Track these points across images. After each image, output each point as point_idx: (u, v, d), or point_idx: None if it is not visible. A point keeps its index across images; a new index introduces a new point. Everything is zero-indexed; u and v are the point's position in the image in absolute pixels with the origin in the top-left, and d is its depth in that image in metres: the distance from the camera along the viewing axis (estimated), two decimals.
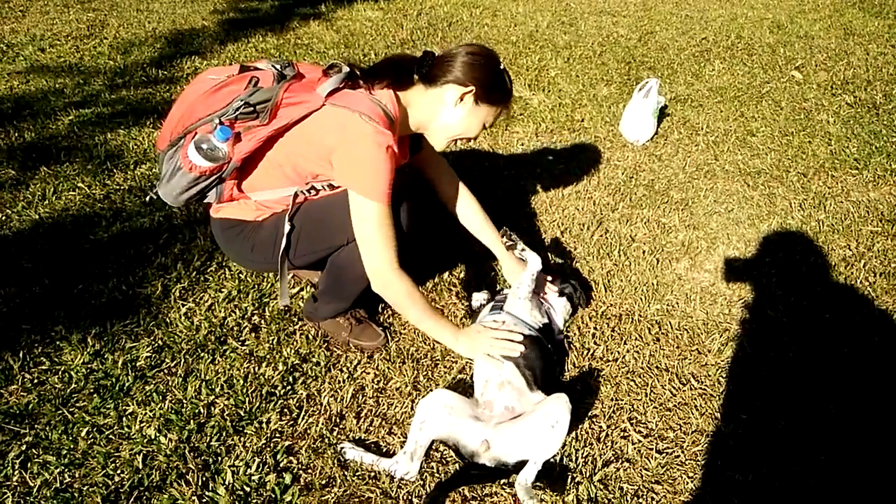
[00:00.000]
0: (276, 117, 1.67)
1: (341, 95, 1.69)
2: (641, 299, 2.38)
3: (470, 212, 2.17)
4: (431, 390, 1.94)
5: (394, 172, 1.68)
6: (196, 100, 1.72)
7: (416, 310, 1.77)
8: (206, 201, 1.84)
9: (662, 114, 3.67)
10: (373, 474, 1.70)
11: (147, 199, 1.90)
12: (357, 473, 1.70)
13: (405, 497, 1.66)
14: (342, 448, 1.75)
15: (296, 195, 1.83)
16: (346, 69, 1.72)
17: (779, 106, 3.91)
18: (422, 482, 1.69)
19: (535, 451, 1.64)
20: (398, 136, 1.81)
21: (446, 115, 1.80)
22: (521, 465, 1.66)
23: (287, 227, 1.82)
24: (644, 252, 2.63)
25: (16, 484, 1.61)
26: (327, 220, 1.80)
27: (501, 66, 1.80)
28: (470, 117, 1.81)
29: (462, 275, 2.43)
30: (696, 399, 2.00)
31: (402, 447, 1.71)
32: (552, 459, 1.71)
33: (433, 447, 1.76)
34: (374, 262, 1.72)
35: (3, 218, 2.56)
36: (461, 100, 1.77)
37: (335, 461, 1.73)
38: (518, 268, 2.13)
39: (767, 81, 4.25)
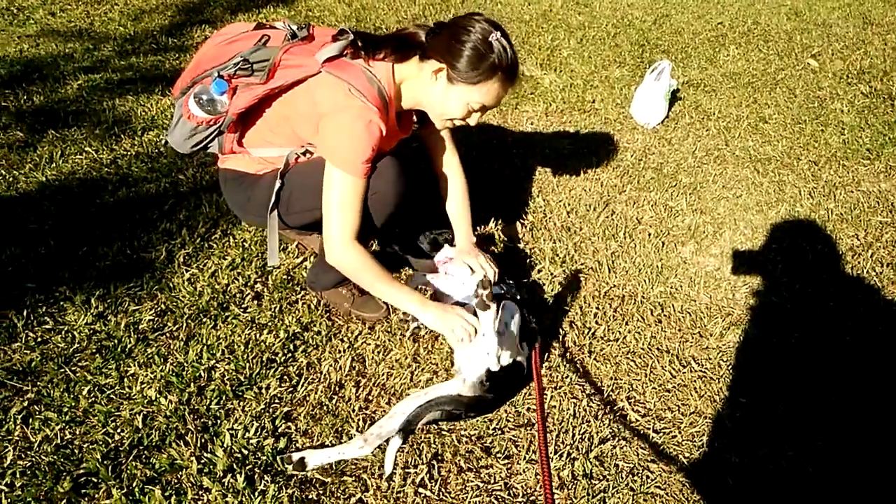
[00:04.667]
0: (274, 77, 1.69)
1: (338, 64, 1.68)
2: (645, 281, 2.37)
3: (453, 196, 2.10)
4: (431, 363, 1.96)
5: (376, 150, 1.66)
6: (206, 51, 1.76)
7: (372, 279, 1.74)
8: (209, 151, 1.88)
9: (674, 97, 3.64)
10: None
11: (164, 142, 1.95)
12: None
13: (401, 462, 1.67)
14: (292, 457, 1.64)
15: (289, 157, 1.83)
16: (350, 37, 1.71)
17: (793, 93, 3.86)
18: (418, 452, 1.70)
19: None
20: (395, 112, 1.79)
21: (429, 91, 1.72)
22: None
23: (278, 184, 1.82)
24: (650, 235, 2.62)
25: (17, 439, 1.63)
26: (317, 180, 1.77)
27: (492, 39, 1.61)
28: (446, 97, 1.70)
29: None
30: (695, 381, 1.99)
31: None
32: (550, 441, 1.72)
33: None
34: (330, 232, 1.70)
35: (11, 179, 2.57)
36: (436, 77, 1.68)
37: (332, 428, 1.74)
38: (468, 255, 2.02)
39: (782, 68, 4.19)
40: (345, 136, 1.63)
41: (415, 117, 1.97)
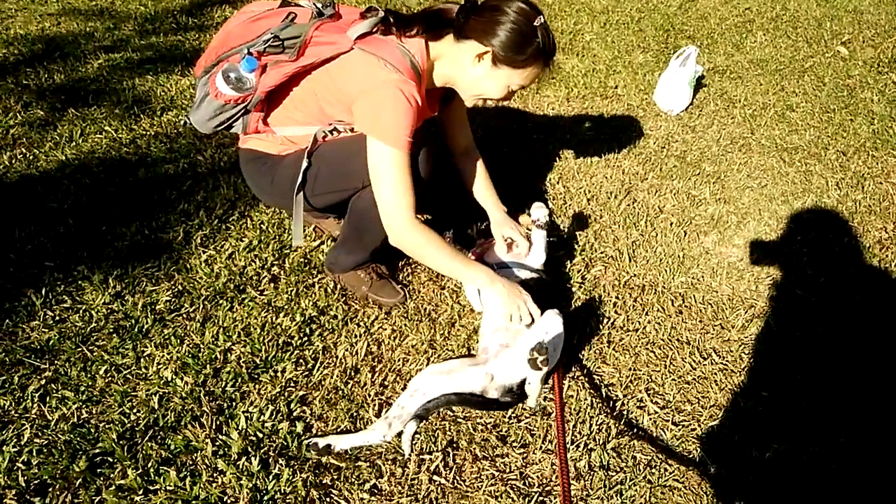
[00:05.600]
0: (304, 55, 1.66)
1: (371, 41, 1.65)
2: (666, 271, 2.33)
3: (475, 173, 2.12)
4: (447, 349, 1.94)
5: (417, 123, 1.64)
6: (232, 29, 1.74)
7: (439, 255, 1.73)
8: (232, 131, 1.86)
9: (699, 84, 3.56)
10: None
11: (183, 122, 1.93)
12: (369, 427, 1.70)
13: (416, 449, 1.66)
14: (312, 443, 1.64)
15: (317, 135, 1.81)
16: (381, 14, 1.68)
17: (821, 81, 3.77)
18: (433, 440, 1.69)
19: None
20: (425, 89, 1.77)
21: (468, 72, 1.72)
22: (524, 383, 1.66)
23: (305, 164, 1.80)
24: (672, 224, 2.57)
25: (34, 417, 1.63)
26: (346, 161, 1.76)
27: (536, 24, 1.64)
28: (489, 79, 1.72)
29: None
30: (716, 374, 1.96)
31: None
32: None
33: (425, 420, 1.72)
34: (389, 212, 1.68)
35: (31, 157, 2.57)
36: (479, 59, 1.68)
37: (347, 413, 1.73)
38: (504, 225, 2.05)
39: (811, 56, 4.09)
40: (387, 109, 1.61)
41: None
